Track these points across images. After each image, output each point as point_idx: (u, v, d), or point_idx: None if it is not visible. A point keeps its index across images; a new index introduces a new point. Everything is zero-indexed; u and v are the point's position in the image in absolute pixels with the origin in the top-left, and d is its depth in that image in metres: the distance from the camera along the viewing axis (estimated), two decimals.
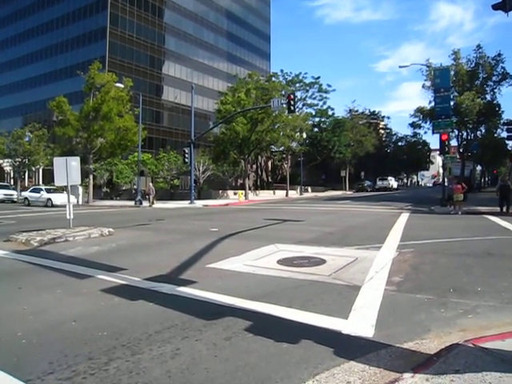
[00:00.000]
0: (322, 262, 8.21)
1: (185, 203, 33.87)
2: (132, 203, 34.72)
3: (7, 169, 58.01)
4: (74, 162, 13.80)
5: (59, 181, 13.68)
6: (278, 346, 4.05)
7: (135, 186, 41.49)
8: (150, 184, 34.87)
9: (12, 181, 57.78)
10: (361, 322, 4.69)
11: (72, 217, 13.70)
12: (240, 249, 9.80)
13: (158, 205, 32.76)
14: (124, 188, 51.64)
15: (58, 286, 6.60)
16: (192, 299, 5.76)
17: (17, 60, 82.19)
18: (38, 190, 35.65)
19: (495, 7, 10.38)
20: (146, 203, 33.27)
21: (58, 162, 13.68)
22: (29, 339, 4.30)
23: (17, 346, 4.15)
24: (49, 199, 32.95)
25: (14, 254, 9.79)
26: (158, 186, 45.69)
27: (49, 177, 51.20)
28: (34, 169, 55.18)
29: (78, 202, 32.63)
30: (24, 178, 59.11)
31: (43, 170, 60.61)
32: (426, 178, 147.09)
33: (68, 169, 13.39)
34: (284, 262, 8.27)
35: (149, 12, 74.03)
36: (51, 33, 76.91)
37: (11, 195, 41.47)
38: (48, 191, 34.33)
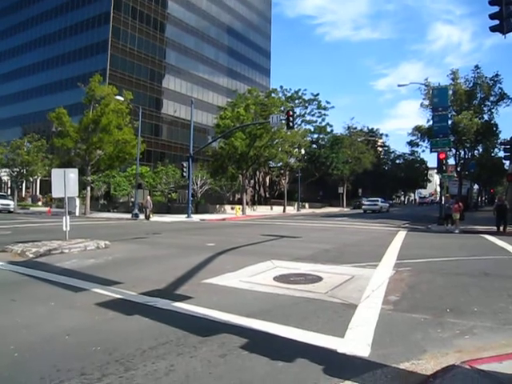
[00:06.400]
0: (319, 279, 8.17)
1: (182, 217, 33.80)
2: (129, 216, 34.64)
3: (5, 179, 57.94)
4: (72, 174, 13.78)
5: (57, 192, 13.60)
6: (273, 364, 4.01)
7: (132, 199, 41.49)
8: (148, 197, 34.82)
9: (9, 191, 57.67)
10: (357, 341, 4.65)
11: (68, 228, 13.65)
12: (236, 264, 9.76)
13: (155, 218, 32.68)
14: (121, 200, 51.56)
15: (52, 299, 6.55)
16: (187, 315, 5.72)
17: (18, 70, 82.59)
18: None
19: (493, 29, 10.56)
20: (142, 216, 33.19)
21: (56, 173, 13.63)
22: (21, 353, 4.25)
23: (9, 359, 4.10)
24: None
25: (8, 264, 9.73)
26: (156, 200, 45.63)
27: (46, 187, 51.22)
28: (31, 179, 55.14)
29: (75, 213, 32.67)
30: (21, 189, 59.05)
31: (41, 180, 60.63)
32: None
33: (66, 180, 13.36)
34: (280, 278, 8.23)
35: (150, 26, 74.76)
36: (53, 44, 77.50)
37: (8, 205, 41.29)
38: None
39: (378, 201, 52.16)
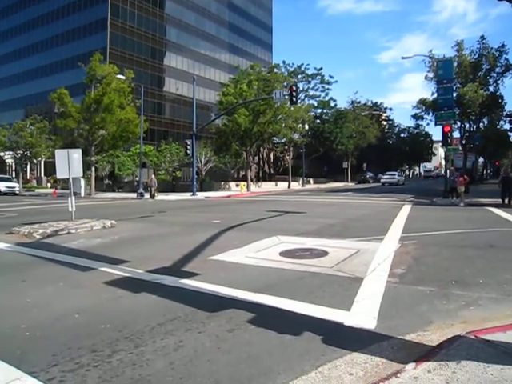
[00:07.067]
0: (324, 253, 8.21)
1: (187, 195, 33.90)
2: (134, 195, 34.76)
3: (9, 161, 58.02)
4: (76, 155, 13.77)
5: (61, 173, 13.63)
6: (281, 337, 4.06)
7: (137, 178, 41.54)
8: (152, 176, 34.86)
9: (14, 173, 57.82)
10: (363, 314, 4.70)
11: (74, 209, 13.72)
12: (242, 241, 9.81)
13: (160, 197, 32.79)
14: (126, 180, 51.69)
15: (60, 279, 6.62)
16: (195, 291, 5.78)
17: (18, 51, 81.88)
18: None
19: None
20: (147, 195, 33.29)
21: (60, 154, 13.63)
22: (32, 332, 4.32)
23: (21, 338, 4.17)
24: None
25: (16, 246, 9.82)
26: (160, 178, 45.68)
27: (50, 169, 51.26)
28: (35, 161, 55.15)
29: (80, 194, 32.85)
30: (26, 171, 59.17)
31: (45, 162, 60.65)
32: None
33: (70, 161, 13.36)
34: (286, 253, 8.28)
35: (150, 3, 73.65)
36: (52, 24, 76.58)
37: (13, 188, 41.51)
38: None
39: (395, 175, 59.34)
